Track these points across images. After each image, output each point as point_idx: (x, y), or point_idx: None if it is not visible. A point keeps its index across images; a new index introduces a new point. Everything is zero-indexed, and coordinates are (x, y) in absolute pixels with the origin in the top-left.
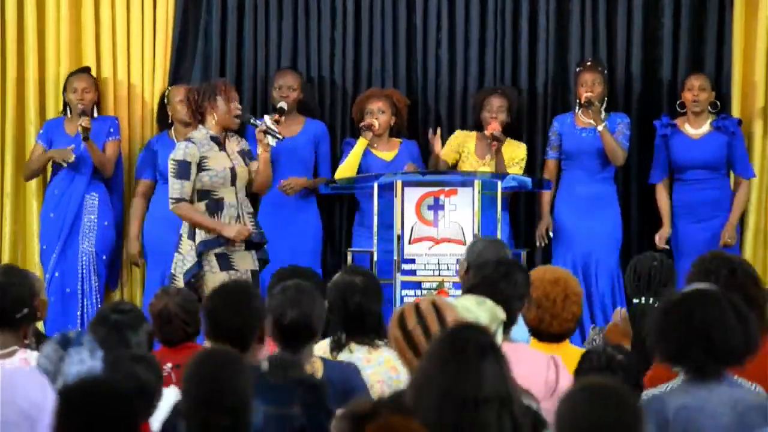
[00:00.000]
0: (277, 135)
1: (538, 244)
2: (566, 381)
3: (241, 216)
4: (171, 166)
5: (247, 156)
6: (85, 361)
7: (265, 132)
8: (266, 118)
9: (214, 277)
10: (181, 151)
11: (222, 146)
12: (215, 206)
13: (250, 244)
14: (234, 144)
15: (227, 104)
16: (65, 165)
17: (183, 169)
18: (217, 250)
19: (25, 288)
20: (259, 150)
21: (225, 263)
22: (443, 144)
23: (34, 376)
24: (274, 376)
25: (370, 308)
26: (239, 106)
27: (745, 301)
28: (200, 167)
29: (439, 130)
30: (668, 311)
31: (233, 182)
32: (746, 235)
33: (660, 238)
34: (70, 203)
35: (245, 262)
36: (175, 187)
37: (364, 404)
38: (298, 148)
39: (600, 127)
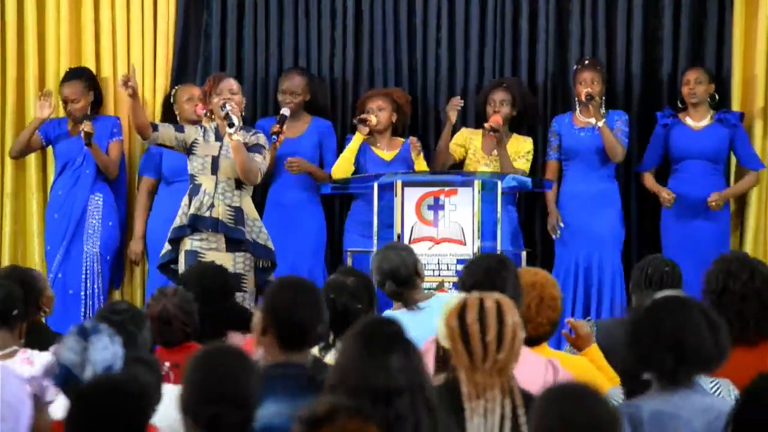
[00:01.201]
0: (233, 122)
1: (553, 236)
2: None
3: (216, 206)
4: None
5: (253, 151)
6: (108, 347)
7: (224, 119)
8: (227, 106)
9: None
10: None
11: (219, 137)
12: (194, 190)
13: (231, 243)
14: (239, 137)
15: (216, 97)
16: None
17: (179, 126)
18: (188, 247)
19: (16, 286)
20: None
21: (192, 259)
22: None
23: (10, 372)
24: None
25: (357, 310)
26: (227, 96)
27: (760, 306)
28: (191, 149)
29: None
30: (639, 318)
31: (214, 171)
32: (746, 235)
33: (666, 194)
34: (75, 204)
35: (218, 260)
36: (161, 124)
37: (322, 406)
38: (302, 147)
39: (600, 123)
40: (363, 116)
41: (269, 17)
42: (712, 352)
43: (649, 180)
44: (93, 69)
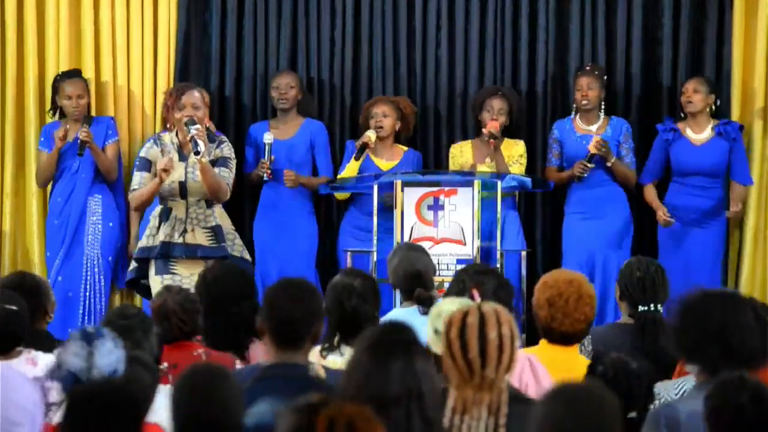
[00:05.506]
0: (199, 150)
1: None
2: (546, 380)
3: (190, 231)
4: (136, 161)
5: (219, 165)
6: (113, 351)
7: (190, 141)
8: (192, 129)
9: (152, 281)
10: (145, 148)
11: (183, 155)
12: (165, 214)
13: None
14: (206, 158)
15: (178, 113)
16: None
17: (142, 164)
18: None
19: (23, 303)
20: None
21: (161, 268)
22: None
23: (23, 376)
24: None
25: (367, 311)
26: (189, 114)
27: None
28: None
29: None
30: (689, 309)
31: (183, 196)
32: (746, 235)
33: (663, 214)
34: (73, 208)
35: (189, 268)
36: (135, 180)
37: (315, 397)
38: (294, 149)
39: (609, 163)
40: (363, 141)
41: (269, 17)
42: (759, 350)
43: (649, 193)
44: (93, 69)
